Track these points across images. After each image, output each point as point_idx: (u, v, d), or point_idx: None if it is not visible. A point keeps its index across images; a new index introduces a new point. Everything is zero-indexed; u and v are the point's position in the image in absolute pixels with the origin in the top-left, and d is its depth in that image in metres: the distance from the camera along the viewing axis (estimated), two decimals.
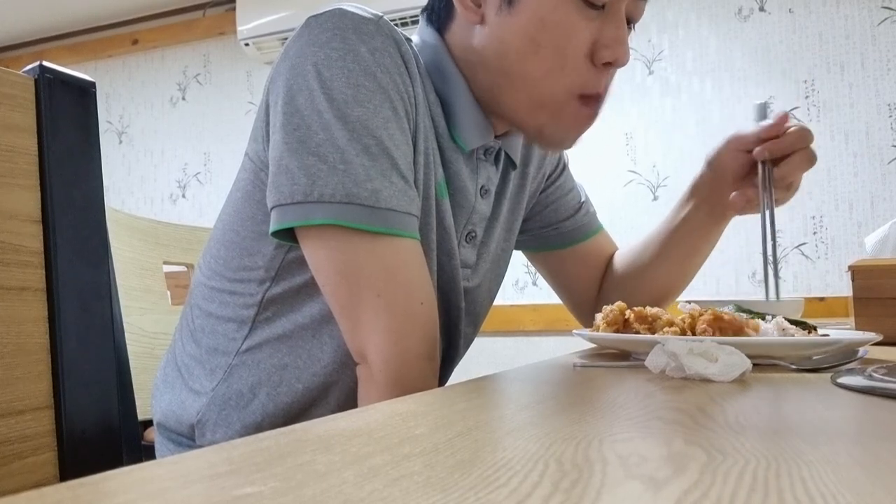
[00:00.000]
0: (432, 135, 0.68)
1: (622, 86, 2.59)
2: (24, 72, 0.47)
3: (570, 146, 0.72)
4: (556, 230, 0.90)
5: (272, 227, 0.61)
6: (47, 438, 0.44)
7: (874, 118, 2.33)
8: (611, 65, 0.66)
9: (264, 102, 0.66)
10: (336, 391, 0.68)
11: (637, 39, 2.68)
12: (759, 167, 0.71)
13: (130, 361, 0.87)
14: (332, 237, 0.59)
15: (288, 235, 0.62)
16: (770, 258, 0.70)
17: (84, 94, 0.49)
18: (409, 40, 0.69)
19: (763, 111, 0.73)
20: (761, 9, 2.47)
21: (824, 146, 2.37)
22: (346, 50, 0.61)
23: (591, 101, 0.67)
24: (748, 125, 0.75)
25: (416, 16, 2.64)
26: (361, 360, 0.62)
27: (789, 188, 0.73)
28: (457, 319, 0.76)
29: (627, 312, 0.67)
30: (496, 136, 0.75)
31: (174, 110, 3.33)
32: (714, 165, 0.79)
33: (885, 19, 2.33)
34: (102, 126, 3.39)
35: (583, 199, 0.93)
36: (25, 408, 0.43)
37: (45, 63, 0.48)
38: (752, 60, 2.47)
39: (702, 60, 2.54)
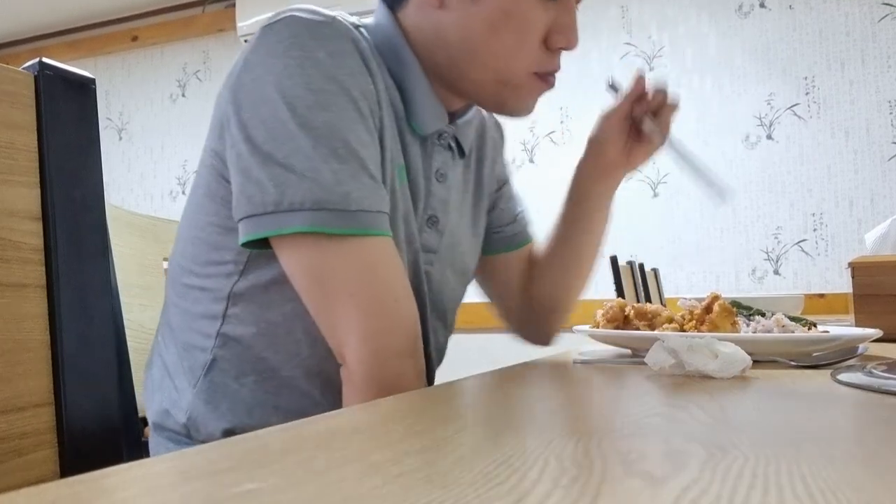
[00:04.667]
0: (392, 121, 0.70)
1: (622, 83, 2.58)
2: (23, 68, 0.47)
3: (529, 112, 0.76)
4: (498, 234, 0.93)
5: (242, 239, 0.61)
6: (48, 435, 0.44)
7: (874, 115, 2.32)
8: (562, 49, 0.72)
9: (219, 115, 0.65)
10: (319, 382, 0.68)
11: (637, 36, 2.67)
12: (646, 122, 0.79)
13: (131, 358, 0.87)
14: (304, 244, 0.60)
15: (259, 243, 0.62)
16: (693, 163, 0.76)
17: (84, 90, 0.49)
18: (361, 26, 0.71)
19: (615, 85, 0.82)
20: (762, 5, 2.46)
21: (824, 143, 2.37)
22: (304, 57, 0.61)
23: (547, 77, 0.73)
24: (610, 102, 0.82)
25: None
26: (342, 361, 0.63)
27: (666, 130, 0.81)
28: (422, 307, 0.75)
29: (628, 308, 0.67)
30: (449, 122, 0.77)
31: (174, 107, 3.33)
32: (598, 141, 0.84)
33: (886, 16, 2.32)
34: (102, 123, 3.38)
35: (520, 209, 0.97)
36: (26, 404, 0.43)
37: (45, 60, 0.47)
38: (752, 57, 2.46)
39: (702, 57, 2.53)
